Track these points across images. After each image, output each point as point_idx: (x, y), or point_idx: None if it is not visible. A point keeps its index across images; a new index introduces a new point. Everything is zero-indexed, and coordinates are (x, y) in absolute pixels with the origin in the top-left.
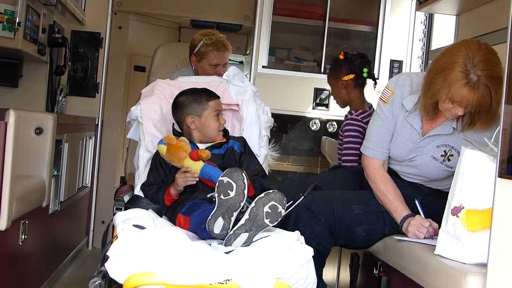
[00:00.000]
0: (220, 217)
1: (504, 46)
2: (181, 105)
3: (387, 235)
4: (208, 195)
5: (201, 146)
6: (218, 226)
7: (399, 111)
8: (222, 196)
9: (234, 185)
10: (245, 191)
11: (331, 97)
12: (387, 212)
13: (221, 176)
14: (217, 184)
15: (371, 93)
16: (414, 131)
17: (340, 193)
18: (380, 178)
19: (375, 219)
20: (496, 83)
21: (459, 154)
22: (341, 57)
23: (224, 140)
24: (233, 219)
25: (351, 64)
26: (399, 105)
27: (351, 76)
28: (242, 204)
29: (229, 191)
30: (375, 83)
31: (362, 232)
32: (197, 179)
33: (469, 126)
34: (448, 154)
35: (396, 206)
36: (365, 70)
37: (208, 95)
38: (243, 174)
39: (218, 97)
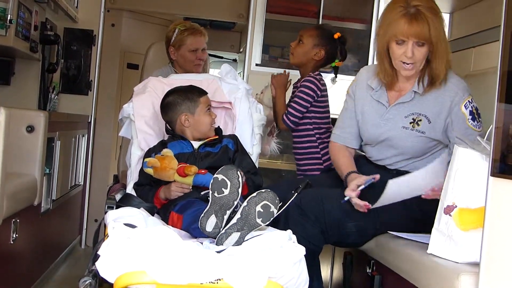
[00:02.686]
0: (213, 215)
1: (497, 44)
2: (173, 104)
3: (379, 230)
4: (202, 193)
5: (195, 144)
6: (210, 224)
7: (365, 94)
8: (216, 194)
9: (229, 183)
10: (240, 190)
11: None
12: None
13: (216, 174)
14: (211, 181)
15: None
16: (382, 106)
17: (330, 190)
18: (340, 153)
19: (365, 213)
20: (433, 13)
21: (427, 119)
22: (336, 36)
23: (217, 138)
24: (226, 217)
25: (336, 49)
26: (362, 89)
27: (340, 63)
28: (235, 202)
29: (223, 189)
30: (336, 77)
31: (353, 227)
32: (191, 189)
33: (431, 85)
34: (416, 120)
35: (345, 169)
36: (337, 64)
37: (198, 91)
38: (238, 172)
39: (206, 93)
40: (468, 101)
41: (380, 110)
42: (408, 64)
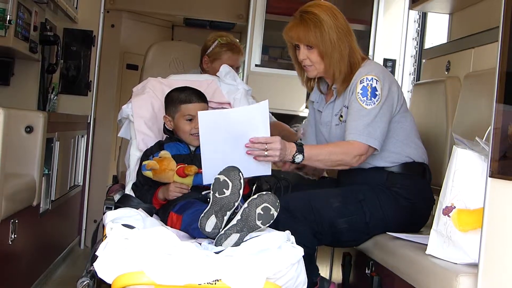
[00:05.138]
0: (213, 215)
1: (496, 45)
2: (165, 102)
3: (370, 224)
4: (203, 193)
5: (192, 147)
6: (210, 224)
7: (311, 110)
8: (217, 194)
9: (230, 184)
10: (241, 191)
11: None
12: (365, 201)
13: (218, 174)
14: (213, 182)
15: None
16: (319, 113)
17: (316, 191)
18: None
19: (354, 209)
20: (317, 21)
21: (345, 107)
22: None
23: None
24: (226, 218)
25: None
26: (310, 106)
27: None
28: (236, 204)
29: (224, 190)
30: None
31: (344, 224)
32: (189, 190)
33: (342, 85)
34: (340, 113)
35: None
36: None
37: (186, 97)
38: (240, 173)
39: (199, 101)
40: (367, 78)
41: (318, 116)
42: (306, 66)
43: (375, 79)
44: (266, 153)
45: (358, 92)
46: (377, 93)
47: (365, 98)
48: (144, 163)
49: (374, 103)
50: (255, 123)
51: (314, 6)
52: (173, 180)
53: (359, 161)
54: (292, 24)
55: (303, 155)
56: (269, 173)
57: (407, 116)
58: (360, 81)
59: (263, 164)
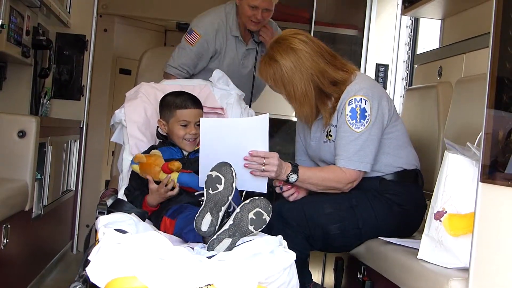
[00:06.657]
0: (208, 212)
1: (487, 50)
2: (160, 106)
3: (363, 230)
4: (196, 193)
5: (185, 151)
6: (206, 222)
7: (298, 121)
8: (210, 191)
9: (223, 178)
10: (234, 184)
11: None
12: (357, 206)
13: (210, 171)
14: (205, 179)
15: None
16: (307, 127)
17: (309, 197)
18: None
19: (347, 215)
20: (273, 61)
21: (334, 126)
22: None
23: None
24: (221, 214)
25: None
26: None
27: None
28: (230, 198)
29: (217, 185)
30: None
31: (336, 230)
32: (178, 189)
33: (331, 114)
34: (328, 132)
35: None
36: None
37: (181, 102)
38: (232, 168)
39: (195, 107)
40: (355, 98)
41: (307, 130)
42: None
43: (364, 99)
44: (263, 167)
45: (347, 115)
46: (366, 114)
47: (354, 121)
48: (133, 158)
49: (364, 125)
50: (255, 135)
51: (279, 46)
52: (159, 177)
53: (351, 187)
54: (261, 63)
55: (297, 175)
56: (264, 190)
57: (397, 125)
58: (349, 102)
59: (259, 180)
